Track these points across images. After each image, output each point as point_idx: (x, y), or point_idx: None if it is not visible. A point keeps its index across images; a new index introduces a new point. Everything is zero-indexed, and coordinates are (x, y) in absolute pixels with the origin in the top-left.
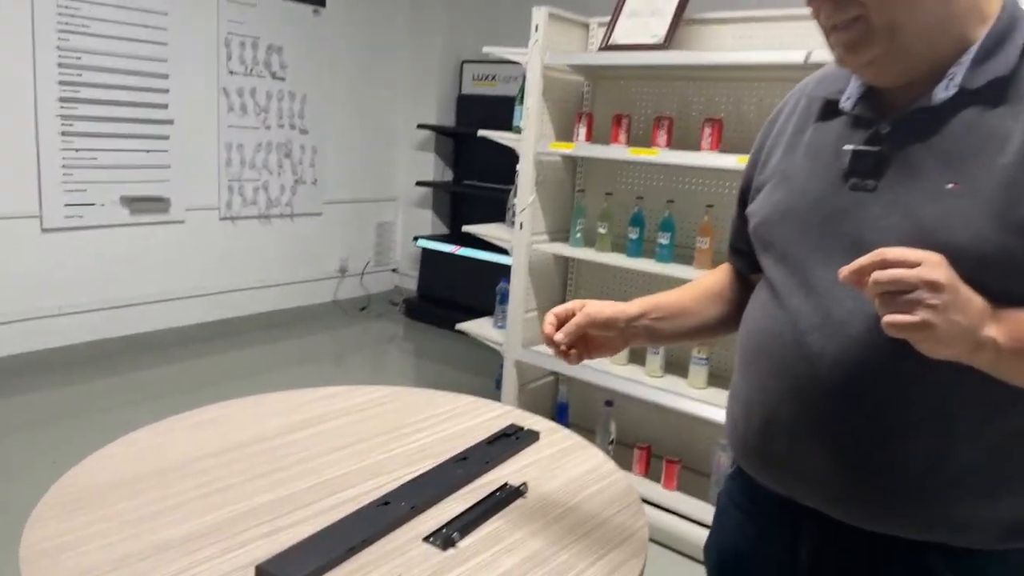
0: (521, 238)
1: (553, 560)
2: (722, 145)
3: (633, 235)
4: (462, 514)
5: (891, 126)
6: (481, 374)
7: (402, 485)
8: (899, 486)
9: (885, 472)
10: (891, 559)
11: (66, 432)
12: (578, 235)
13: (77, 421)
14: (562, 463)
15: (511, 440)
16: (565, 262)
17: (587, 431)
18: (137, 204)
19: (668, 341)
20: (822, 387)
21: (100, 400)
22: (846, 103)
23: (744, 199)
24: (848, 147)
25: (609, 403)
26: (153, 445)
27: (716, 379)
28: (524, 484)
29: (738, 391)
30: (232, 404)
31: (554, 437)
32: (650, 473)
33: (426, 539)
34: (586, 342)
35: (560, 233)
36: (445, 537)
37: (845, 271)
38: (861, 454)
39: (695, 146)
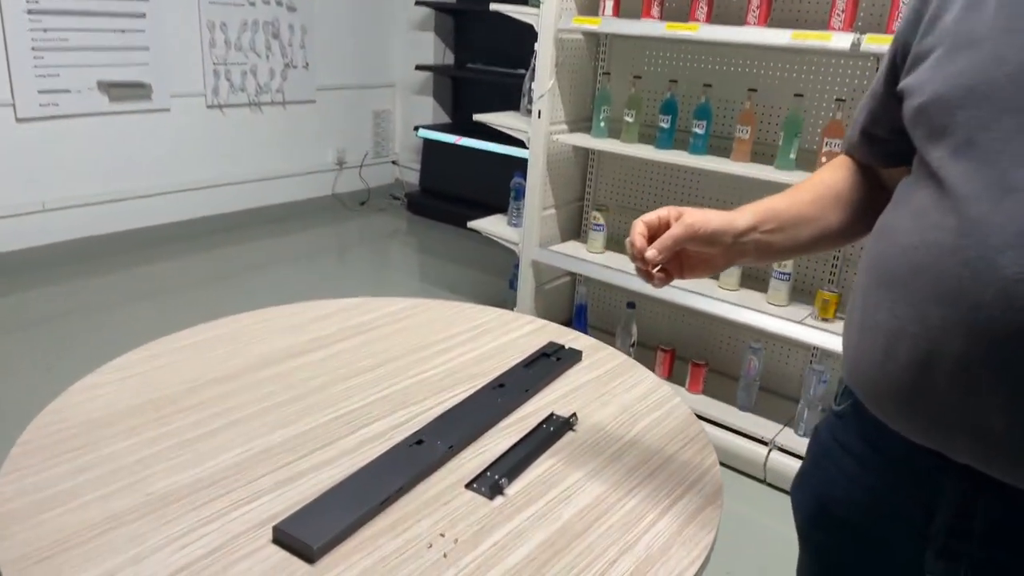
0: (539, 128)
1: (618, 508)
2: (771, 19)
3: (664, 124)
4: (507, 453)
5: None
6: (491, 272)
7: (435, 419)
8: None
9: None
10: None
11: (56, 336)
12: (601, 124)
13: (67, 324)
14: (611, 387)
15: (551, 361)
16: (585, 154)
17: (607, 333)
18: (116, 90)
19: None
20: (1015, 322)
21: (90, 301)
22: None
23: (894, 70)
24: None
25: (631, 305)
26: (146, 372)
27: (749, 280)
28: (573, 415)
29: (874, 318)
30: (233, 321)
31: (598, 356)
32: (673, 376)
33: (469, 485)
34: (679, 259)
35: (581, 122)
36: (491, 483)
37: None
38: None
39: (740, 20)
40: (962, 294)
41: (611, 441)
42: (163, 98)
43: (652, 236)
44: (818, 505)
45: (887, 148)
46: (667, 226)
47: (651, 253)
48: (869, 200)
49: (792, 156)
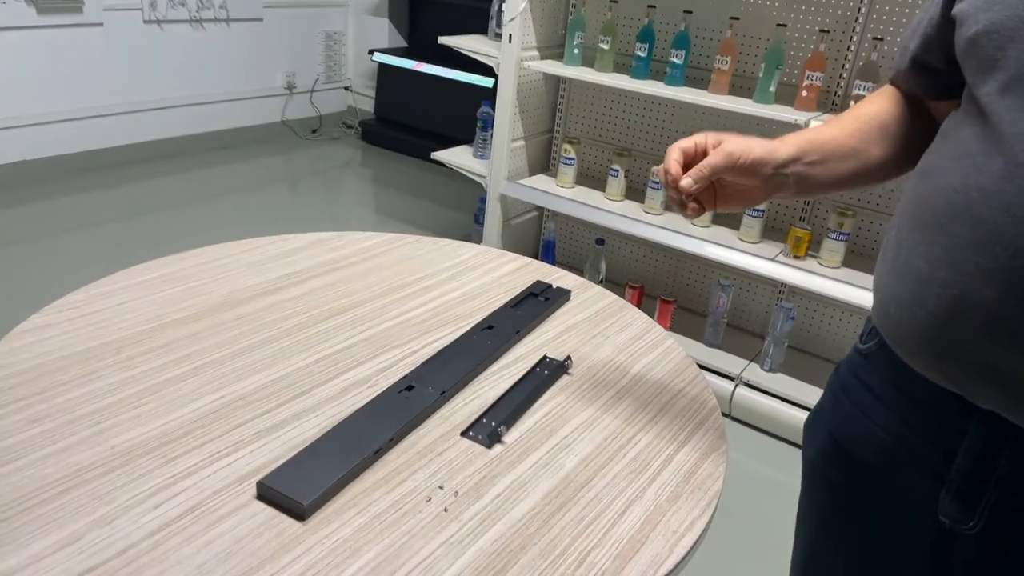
0: (509, 53)
1: (621, 457)
2: None
3: (641, 52)
4: (502, 399)
5: None
6: (451, 206)
7: (423, 364)
8: None
9: None
10: None
11: None
12: (575, 51)
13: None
14: (602, 328)
15: (539, 301)
16: (556, 84)
17: (574, 270)
18: (44, 1)
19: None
20: None
21: (22, 232)
22: None
23: None
24: None
25: (600, 241)
26: (99, 311)
27: (721, 216)
28: (568, 358)
29: (906, 261)
30: (191, 256)
31: (586, 296)
32: None
33: (465, 434)
34: (714, 190)
35: (552, 49)
36: (489, 431)
37: None
38: None
39: None
40: (1001, 241)
41: (608, 385)
42: (95, 11)
43: (687, 164)
44: (833, 442)
45: (939, 79)
46: (704, 153)
47: (686, 182)
48: (916, 134)
49: (772, 89)
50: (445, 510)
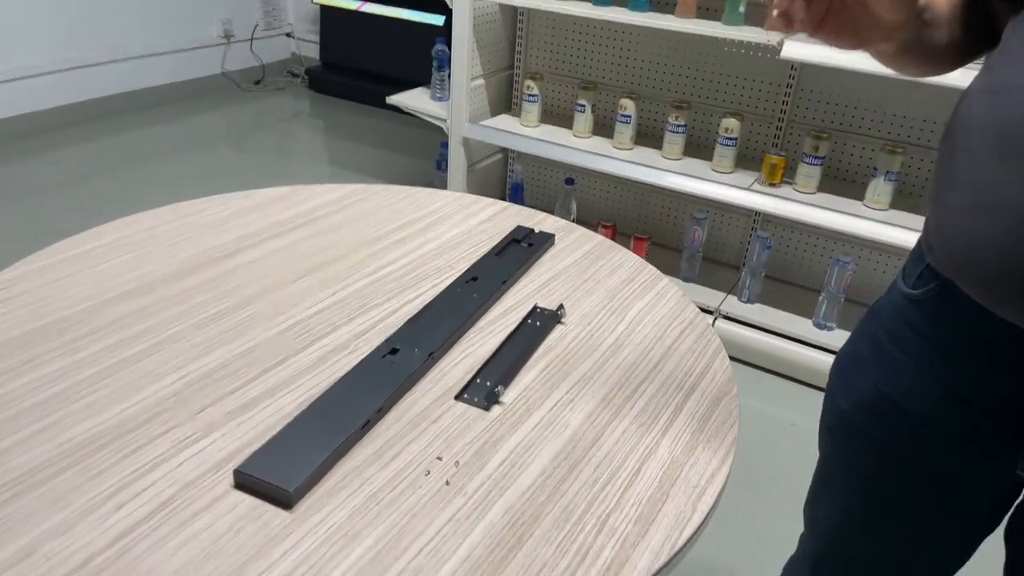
0: None
1: (628, 410)
2: None
3: None
4: (494, 356)
5: None
6: (410, 153)
7: (406, 323)
8: None
9: None
10: None
11: None
12: None
13: None
14: (592, 271)
15: (523, 247)
16: (513, 16)
17: (545, 212)
18: None
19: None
20: None
21: None
22: None
23: None
24: None
25: (570, 181)
26: (35, 289)
27: (692, 148)
28: (561, 306)
29: (996, 196)
30: (135, 221)
31: (571, 238)
32: None
33: (459, 397)
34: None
35: None
36: (486, 392)
37: None
38: None
39: None
40: None
41: (605, 333)
42: None
43: None
44: (879, 395)
45: None
46: None
47: None
48: (972, 28)
49: (741, 10)
50: (447, 483)
